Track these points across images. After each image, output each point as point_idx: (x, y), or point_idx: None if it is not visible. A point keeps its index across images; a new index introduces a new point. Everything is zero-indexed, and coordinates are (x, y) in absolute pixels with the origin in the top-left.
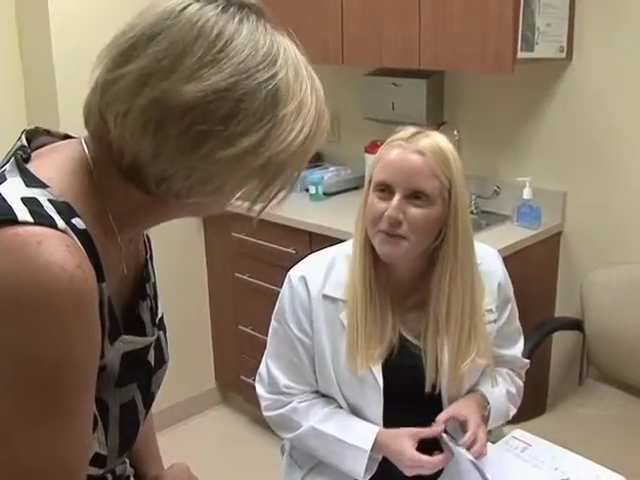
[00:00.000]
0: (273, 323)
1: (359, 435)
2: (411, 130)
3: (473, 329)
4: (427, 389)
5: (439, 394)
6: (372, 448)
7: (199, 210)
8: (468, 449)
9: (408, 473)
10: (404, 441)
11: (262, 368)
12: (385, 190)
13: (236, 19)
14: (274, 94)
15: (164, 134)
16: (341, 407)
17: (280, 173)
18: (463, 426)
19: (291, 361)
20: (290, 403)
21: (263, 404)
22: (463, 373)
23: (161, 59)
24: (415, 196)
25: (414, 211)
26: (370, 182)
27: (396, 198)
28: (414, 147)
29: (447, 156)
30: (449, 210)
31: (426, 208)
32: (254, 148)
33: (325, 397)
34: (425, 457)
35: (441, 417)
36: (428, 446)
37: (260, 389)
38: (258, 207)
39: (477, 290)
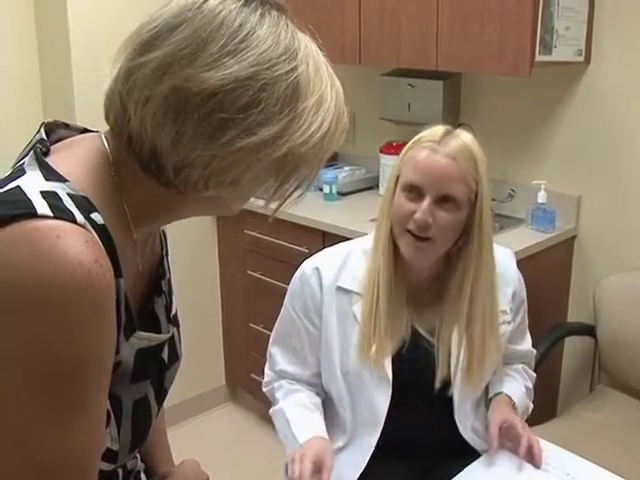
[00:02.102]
0: (282, 309)
1: (304, 428)
2: (440, 130)
3: (491, 329)
4: (437, 385)
5: (448, 392)
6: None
7: (215, 207)
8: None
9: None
10: (311, 456)
11: (269, 349)
12: (414, 191)
13: (258, 13)
14: (295, 87)
15: (184, 121)
16: (328, 405)
17: (297, 170)
18: (509, 432)
19: (294, 348)
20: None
21: (264, 380)
22: (481, 372)
23: (184, 47)
24: (444, 200)
25: (443, 215)
26: (397, 179)
27: (426, 202)
28: (445, 151)
29: (476, 159)
30: (474, 212)
31: (454, 212)
32: (273, 139)
33: (317, 393)
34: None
35: (493, 432)
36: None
37: (266, 366)
38: (273, 205)
39: (496, 291)
